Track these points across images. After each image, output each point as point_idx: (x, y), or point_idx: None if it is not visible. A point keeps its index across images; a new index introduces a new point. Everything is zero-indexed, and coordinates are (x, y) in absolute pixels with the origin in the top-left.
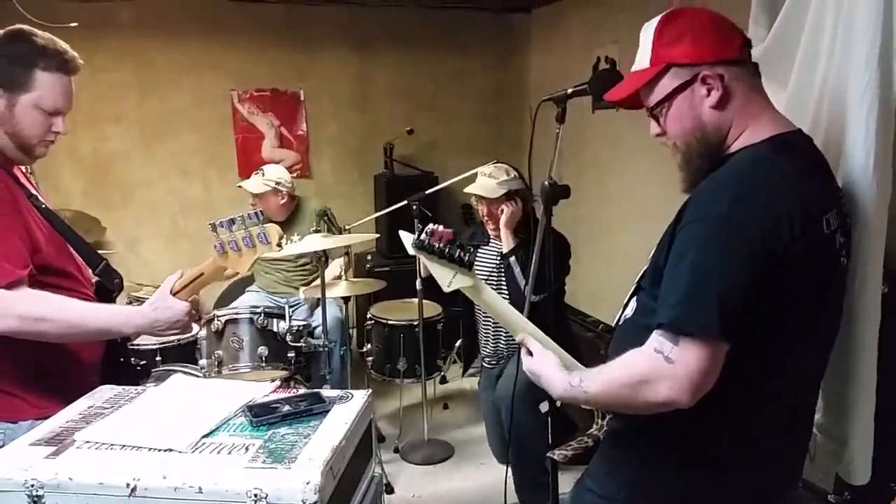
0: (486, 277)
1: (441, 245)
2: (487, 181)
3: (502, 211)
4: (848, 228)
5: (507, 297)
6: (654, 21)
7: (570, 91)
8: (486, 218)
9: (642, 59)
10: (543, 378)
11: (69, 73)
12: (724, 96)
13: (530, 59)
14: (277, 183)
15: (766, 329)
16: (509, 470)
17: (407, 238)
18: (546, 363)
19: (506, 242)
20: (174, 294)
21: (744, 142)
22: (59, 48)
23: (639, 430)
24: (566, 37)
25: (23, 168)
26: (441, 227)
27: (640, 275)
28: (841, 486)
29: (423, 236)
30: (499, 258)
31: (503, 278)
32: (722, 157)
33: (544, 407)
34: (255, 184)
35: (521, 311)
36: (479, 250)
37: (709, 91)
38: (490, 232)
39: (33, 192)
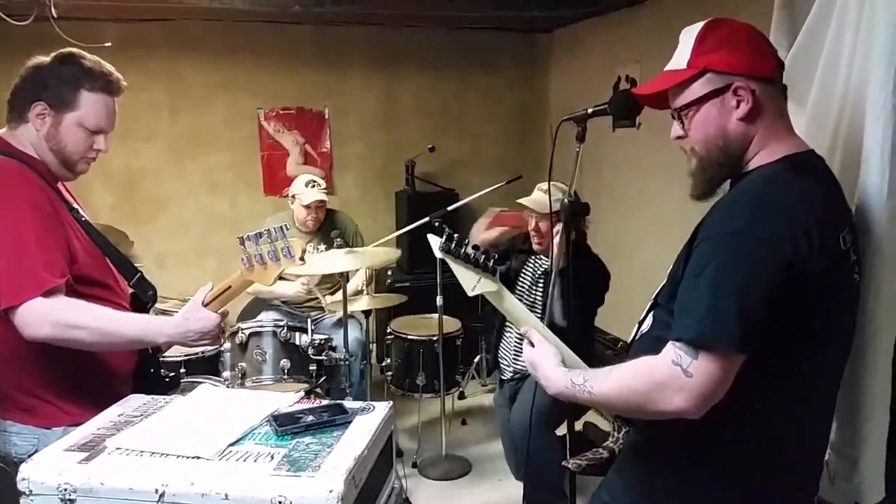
0: (528, 288)
1: (466, 250)
2: (543, 196)
3: (558, 230)
4: (859, 247)
5: (541, 311)
6: (698, 25)
7: (590, 111)
8: (532, 231)
9: (679, 59)
10: (540, 370)
11: (113, 93)
12: (752, 110)
13: (552, 79)
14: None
15: (783, 342)
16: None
17: (434, 241)
18: (544, 356)
19: (559, 259)
20: (205, 305)
21: (760, 160)
22: (104, 70)
23: (656, 444)
24: (587, 56)
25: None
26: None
27: (657, 290)
28: None
29: (449, 241)
30: (539, 273)
31: (539, 292)
32: (738, 172)
33: (561, 430)
34: (320, 194)
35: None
36: (528, 261)
37: (738, 103)
38: (535, 246)
39: (74, 205)
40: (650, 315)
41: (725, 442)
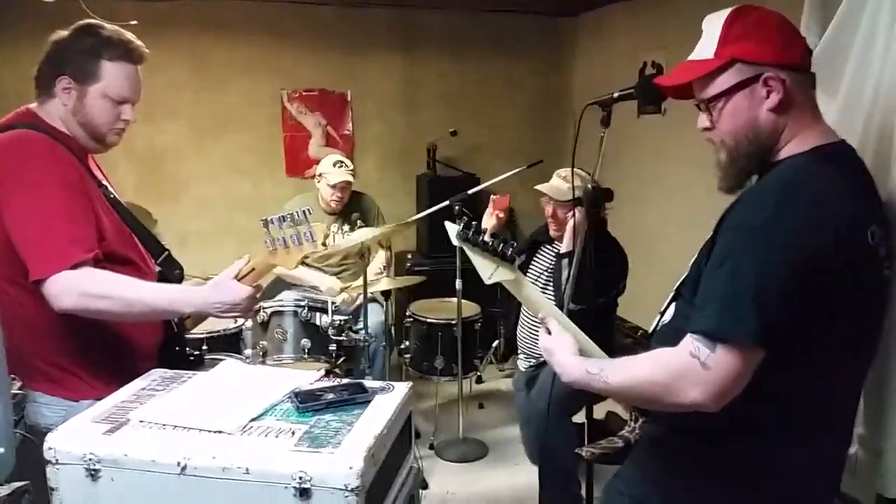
0: (537, 276)
1: (484, 238)
2: (561, 183)
3: (573, 214)
4: (891, 241)
5: (552, 298)
6: (724, 13)
7: (616, 95)
8: (549, 218)
9: (705, 49)
10: (555, 357)
11: (134, 62)
12: (783, 101)
13: (576, 64)
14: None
15: (805, 338)
16: None
17: (451, 229)
18: (561, 343)
19: (566, 243)
20: (237, 279)
21: (789, 151)
22: (123, 38)
23: (673, 438)
24: (612, 41)
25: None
26: None
27: (679, 281)
28: (882, 501)
29: (466, 229)
30: (554, 258)
31: (549, 277)
32: (768, 164)
33: (580, 417)
34: (347, 175)
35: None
36: (542, 249)
37: (768, 93)
38: (551, 232)
39: (103, 181)
40: (672, 306)
41: (744, 439)
